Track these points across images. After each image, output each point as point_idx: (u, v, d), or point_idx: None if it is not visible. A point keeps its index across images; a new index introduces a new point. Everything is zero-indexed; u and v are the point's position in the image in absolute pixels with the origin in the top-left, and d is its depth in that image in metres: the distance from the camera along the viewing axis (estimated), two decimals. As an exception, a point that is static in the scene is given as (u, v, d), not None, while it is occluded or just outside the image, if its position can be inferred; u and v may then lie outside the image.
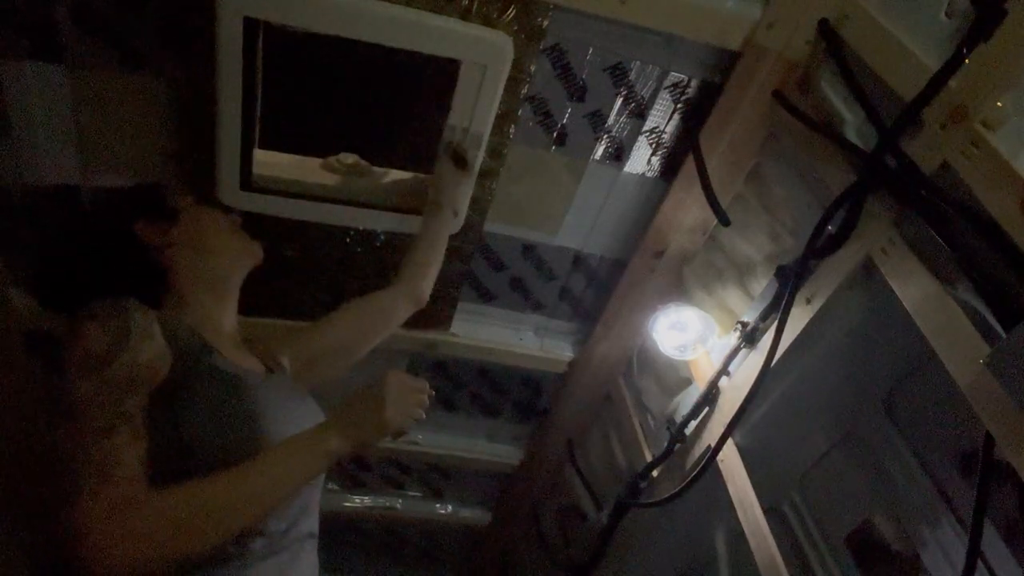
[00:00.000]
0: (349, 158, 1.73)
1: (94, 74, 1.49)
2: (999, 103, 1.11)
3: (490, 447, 2.63)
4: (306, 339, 1.45)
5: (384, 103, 1.72)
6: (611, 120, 1.77)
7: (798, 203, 1.60)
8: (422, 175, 1.79)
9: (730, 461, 1.67)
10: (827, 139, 1.44)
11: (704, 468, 1.67)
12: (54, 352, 1.36)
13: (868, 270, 1.38)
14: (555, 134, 1.78)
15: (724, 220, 1.72)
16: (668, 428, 1.90)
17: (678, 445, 1.87)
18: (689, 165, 1.77)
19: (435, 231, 1.59)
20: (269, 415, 1.15)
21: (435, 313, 2.10)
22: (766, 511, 1.57)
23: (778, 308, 1.51)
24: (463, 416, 2.53)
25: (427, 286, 1.58)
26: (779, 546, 1.51)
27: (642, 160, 1.86)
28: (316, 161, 1.72)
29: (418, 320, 2.09)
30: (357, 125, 1.77)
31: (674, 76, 1.69)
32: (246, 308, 1.54)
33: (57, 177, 1.63)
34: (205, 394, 1.09)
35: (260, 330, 1.67)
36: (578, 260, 2.09)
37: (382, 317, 1.52)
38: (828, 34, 1.47)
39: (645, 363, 2.16)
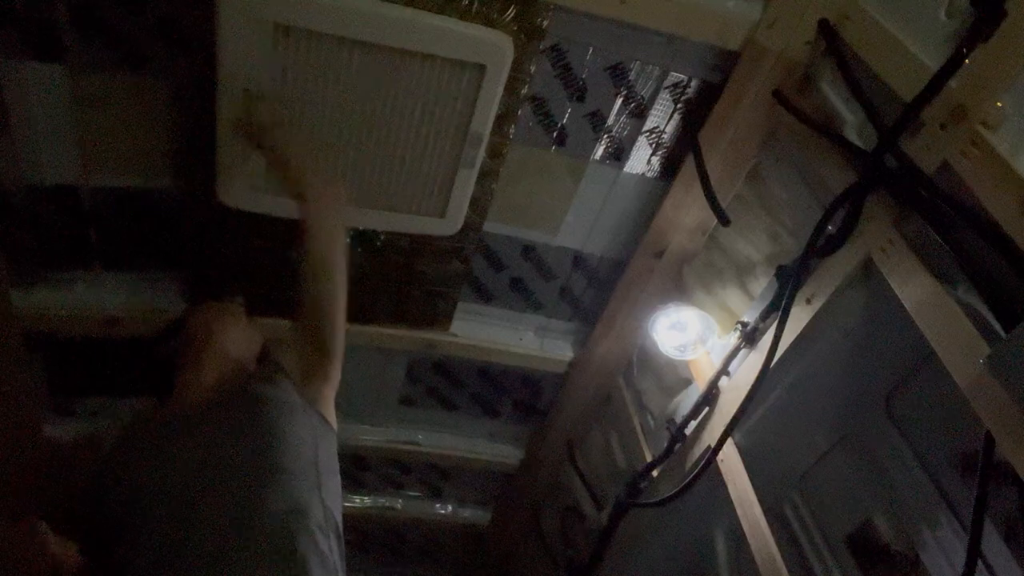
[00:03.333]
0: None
1: (94, 74, 1.49)
2: (999, 103, 1.11)
3: (490, 447, 2.63)
4: (302, 322, 1.41)
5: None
6: (611, 120, 1.77)
7: (798, 203, 1.60)
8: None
9: (730, 461, 1.67)
10: (827, 139, 1.44)
11: (704, 468, 1.67)
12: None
13: (868, 270, 1.38)
14: (555, 134, 1.78)
15: (724, 220, 1.72)
16: (668, 428, 1.90)
17: (678, 445, 1.87)
18: (689, 165, 1.77)
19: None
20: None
21: (435, 313, 2.11)
22: (766, 511, 1.57)
23: (778, 308, 1.51)
24: (463, 416, 2.53)
25: (312, 174, 1.42)
26: (779, 546, 1.51)
27: (642, 160, 1.86)
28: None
29: (418, 320, 2.10)
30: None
31: (674, 76, 1.69)
32: (248, 309, 1.54)
33: (57, 177, 1.63)
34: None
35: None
36: (578, 260, 2.09)
37: (329, 240, 1.40)
38: (828, 34, 1.47)
39: (645, 363, 2.16)
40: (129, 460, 1.24)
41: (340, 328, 1.38)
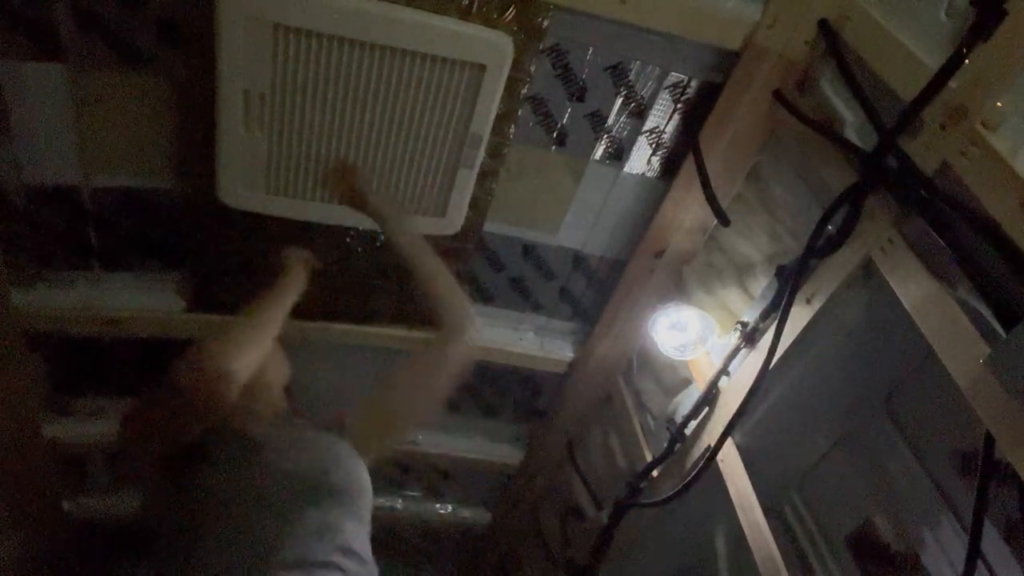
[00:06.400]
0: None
1: (94, 74, 1.49)
2: (999, 103, 1.11)
3: (490, 447, 2.63)
4: (374, 413, 1.42)
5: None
6: (611, 120, 1.77)
7: (798, 203, 1.60)
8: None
9: (730, 461, 1.67)
10: (827, 139, 1.44)
11: (704, 468, 1.67)
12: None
13: (868, 270, 1.38)
14: (555, 134, 1.78)
15: (724, 220, 1.72)
16: (668, 428, 1.90)
17: (678, 445, 1.87)
18: (689, 165, 1.77)
19: (404, 244, 1.46)
20: (272, 453, 1.24)
21: (435, 313, 2.10)
22: (766, 511, 1.57)
23: (778, 308, 1.51)
24: (463, 416, 2.53)
25: (462, 309, 1.44)
26: (779, 546, 1.51)
27: (642, 160, 1.86)
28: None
29: (418, 320, 2.10)
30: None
31: (674, 76, 1.69)
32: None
33: (57, 177, 1.63)
34: (217, 448, 1.23)
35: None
36: (578, 260, 2.09)
37: (440, 372, 1.42)
38: (828, 34, 1.47)
39: (645, 363, 2.16)
40: (226, 457, 1.24)
41: (410, 429, 1.41)
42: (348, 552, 1.16)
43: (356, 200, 1.50)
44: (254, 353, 1.20)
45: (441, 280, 1.45)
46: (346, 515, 1.20)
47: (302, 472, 1.21)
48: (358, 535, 1.21)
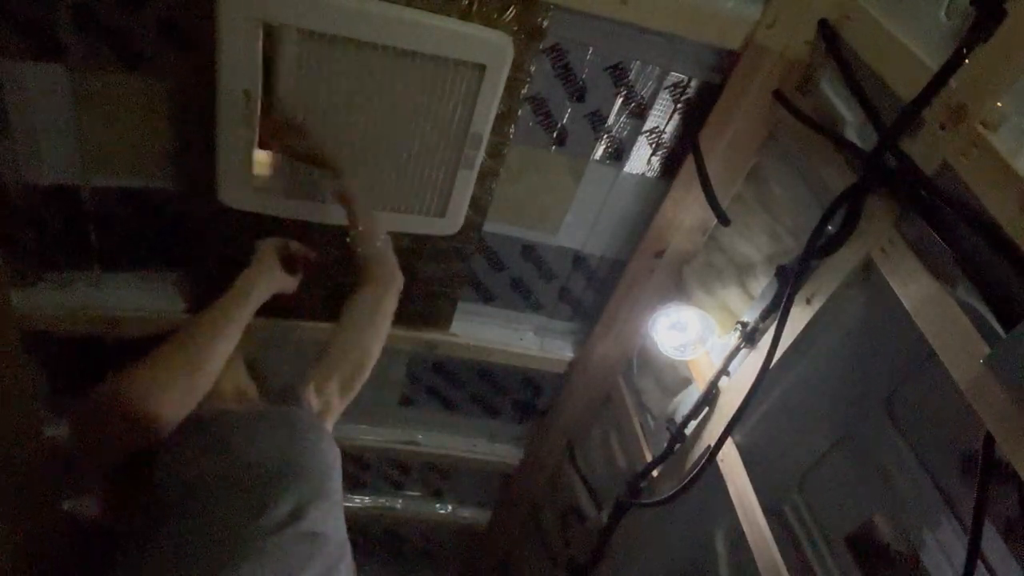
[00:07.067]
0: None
1: (94, 74, 1.49)
2: (999, 103, 1.11)
3: (490, 447, 2.63)
4: (325, 365, 1.45)
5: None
6: (611, 120, 1.77)
7: (798, 203, 1.60)
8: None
9: (730, 461, 1.67)
10: (827, 139, 1.44)
11: (704, 468, 1.67)
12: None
13: (868, 270, 1.38)
14: (555, 134, 1.78)
15: (724, 220, 1.72)
16: (668, 428, 1.90)
17: (678, 445, 1.87)
18: (689, 165, 1.77)
19: (349, 204, 1.52)
20: (238, 440, 1.21)
21: (435, 313, 2.11)
22: (766, 511, 1.57)
23: (778, 308, 1.51)
24: (463, 416, 2.53)
25: (392, 267, 1.54)
26: (779, 546, 1.51)
27: (642, 160, 1.86)
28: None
29: (418, 320, 2.10)
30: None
31: (674, 76, 1.69)
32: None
33: (57, 177, 1.63)
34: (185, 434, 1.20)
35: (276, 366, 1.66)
36: (578, 260, 2.09)
37: (376, 319, 1.51)
38: (828, 34, 1.47)
39: (645, 363, 2.16)
40: (187, 446, 1.21)
41: (367, 373, 1.46)
42: (316, 536, 1.15)
43: (306, 155, 1.54)
44: (192, 378, 1.16)
45: (381, 236, 1.54)
46: (315, 497, 1.18)
47: (271, 458, 1.20)
48: (327, 516, 1.20)
